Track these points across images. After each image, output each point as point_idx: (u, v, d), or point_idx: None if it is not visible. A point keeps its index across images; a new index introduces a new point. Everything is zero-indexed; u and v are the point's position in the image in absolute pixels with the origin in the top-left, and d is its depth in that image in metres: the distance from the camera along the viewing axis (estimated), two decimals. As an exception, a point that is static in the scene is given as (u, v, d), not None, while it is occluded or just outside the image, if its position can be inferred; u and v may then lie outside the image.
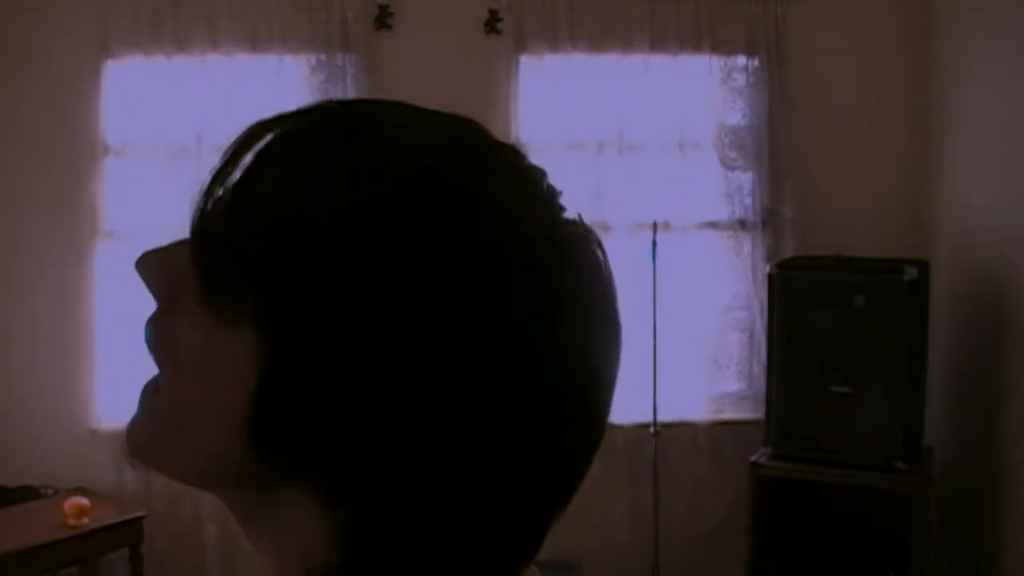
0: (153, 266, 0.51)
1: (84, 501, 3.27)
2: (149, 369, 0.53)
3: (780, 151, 3.77)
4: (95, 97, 3.68)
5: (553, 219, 0.50)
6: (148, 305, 0.52)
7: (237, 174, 0.49)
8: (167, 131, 3.65)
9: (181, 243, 0.51)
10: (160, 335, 0.51)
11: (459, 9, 3.76)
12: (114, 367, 3.66)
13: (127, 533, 3.36)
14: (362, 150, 0.49)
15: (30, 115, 3.72)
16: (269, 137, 0.50)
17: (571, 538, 3.05)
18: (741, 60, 3.80)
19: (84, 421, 3.73)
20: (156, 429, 0.53)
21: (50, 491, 3.53)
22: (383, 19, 3.74)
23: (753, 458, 3.35)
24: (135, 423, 0.53)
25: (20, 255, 3.77)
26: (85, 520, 3.24)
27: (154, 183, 3.66)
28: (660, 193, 3.73)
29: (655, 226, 3.52)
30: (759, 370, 3.67)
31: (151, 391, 0.52)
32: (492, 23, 3.74)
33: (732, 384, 3.88)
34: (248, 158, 0.50)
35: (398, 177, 0.47)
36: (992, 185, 3.35)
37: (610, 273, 0.52)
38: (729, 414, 3.84)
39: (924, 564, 3.21)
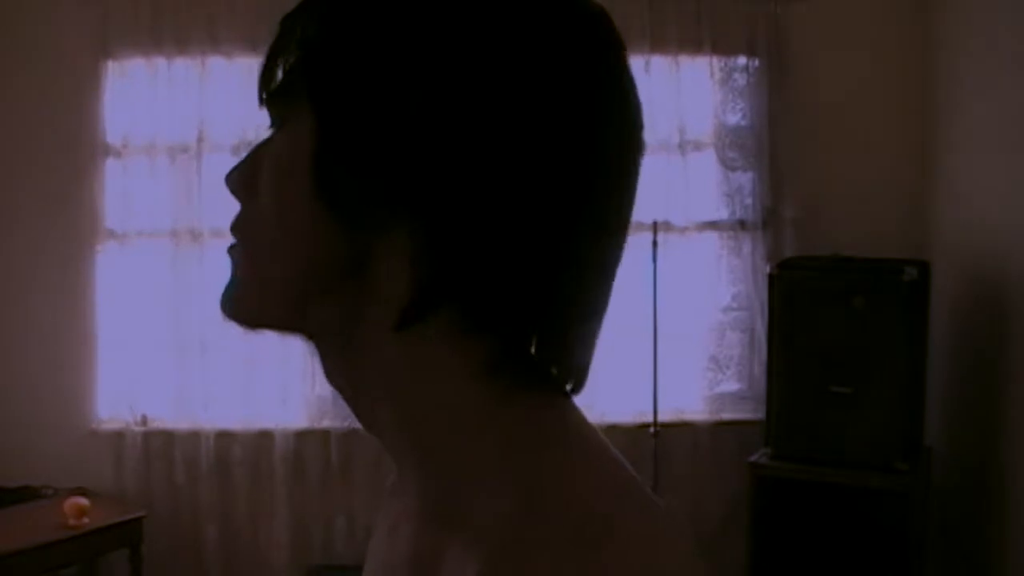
0: (235, 171, 0.61)
1: (84, 501, 3.27)
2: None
3: (780, 151, 3.77)
4: (95, 97, 3.68)
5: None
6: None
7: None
8: (167, 131, 3.65)
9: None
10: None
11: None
12: (114, 367, 3.66)
13: (127, 533, 3.36)
14: None
15: (30, 115, 3.72)
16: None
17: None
18: (741, 60, 3.80)
19: (84, 421, 3.73)
20: (249, 266, 0.60)
21: (50, 491, 3.53)
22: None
23: (753, 458, 3.35)
24: (227, 286, 0.60)
25: (20, 255, 3.76)
26: (85, 520, 3.24)
27: (154, 183, 3.67)
28: (660, 193, 3.73)
29: (655, 226, 3.52)
30: (759, 370, 3.67)
31: (231, 252, 0.61)
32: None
33: (732, 384, 3.87)
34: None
35: None
36: (992, 185, 3.34)
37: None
38: (729, 414, 3.84)
39: (924, 564, 3.22)
